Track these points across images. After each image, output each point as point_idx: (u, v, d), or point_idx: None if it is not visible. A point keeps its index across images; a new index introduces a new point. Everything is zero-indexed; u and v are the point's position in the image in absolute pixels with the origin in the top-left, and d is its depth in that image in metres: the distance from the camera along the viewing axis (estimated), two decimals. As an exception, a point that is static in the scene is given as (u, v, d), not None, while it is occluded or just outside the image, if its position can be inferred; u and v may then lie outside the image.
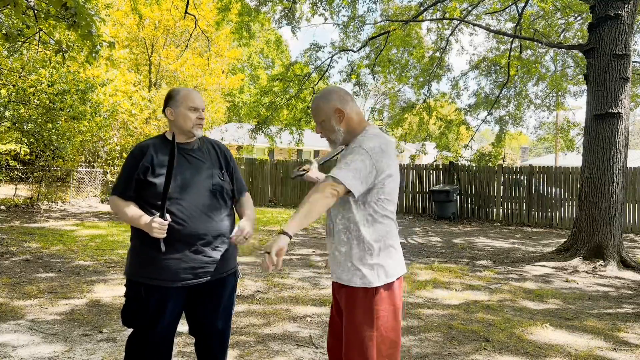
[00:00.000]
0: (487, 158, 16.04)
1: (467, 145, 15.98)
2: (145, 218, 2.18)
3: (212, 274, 2.28)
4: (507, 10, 13.87)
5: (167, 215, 2.17)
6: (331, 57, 13.47)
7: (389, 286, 2.10)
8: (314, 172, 2.44)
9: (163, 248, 2.18)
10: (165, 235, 2.16)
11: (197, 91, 2.48)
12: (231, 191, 2.44)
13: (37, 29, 7.63)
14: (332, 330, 2.31)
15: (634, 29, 9.35)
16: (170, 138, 2.33)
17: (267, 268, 1.86)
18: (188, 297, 2.30)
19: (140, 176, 2.22)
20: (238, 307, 4.57)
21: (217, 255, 2.30)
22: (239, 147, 26.49)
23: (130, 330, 2.32)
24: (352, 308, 2.09)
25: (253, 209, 2.52)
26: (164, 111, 2.38)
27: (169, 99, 2.35)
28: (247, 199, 2.55)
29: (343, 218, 2.11)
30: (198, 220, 2.24)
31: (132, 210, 2.23)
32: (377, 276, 2.07)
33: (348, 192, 2.00)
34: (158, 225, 2.12)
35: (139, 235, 2.23)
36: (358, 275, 2.07)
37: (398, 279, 2.15)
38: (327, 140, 2.26)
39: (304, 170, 2.41)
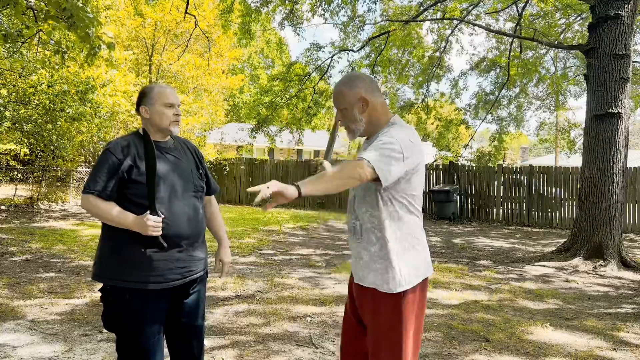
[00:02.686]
0: (487, 158, 16.04)
1: (467, 145, 15.98)
2: (133, 216, 2.08)
3: (194, 272, 2.26)
4: (507, 10, 13.87)
5: (160, 212, 2.10)
6: (331, 57, 13.48)
7: (415, 289, 1.98)
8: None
9: (165, 244, 2.12)
10: (161, 232, 2.09)
11: (172, 87, 2.44)
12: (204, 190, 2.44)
13: (37, 30, 7.63)
14: (348, 338, 2.17)
15: (634, 29, 9.34)
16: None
17: (258, 201, 1.71)
18: (172, 298, 2.24)
19: (124, 175, 2.12)
20: (238, 307, 4.58)
21: (199, 254, 2.28)
22: (239, 147, 26.47)
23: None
24: (379, 313, 1.97)
25: (219, 213, 2.58)
26: (137, 110, 2.28)
27: (143, 97, 2.26)
28: (213, 200, 2.56)
29: (372, 216, 1.97)
30: (184, 220, 2.19)
31: (116, 209, 2.11)
32: (404, 279, 1.94)
33: (375, 180, 1.84)
34: (154, 223, 2.05)
35: (117, 236, 2.13)
36: (385, 279, 1.94)
37: (424, 280, 2.03)
38: (345, 129, 2.12)
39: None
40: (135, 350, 2.16)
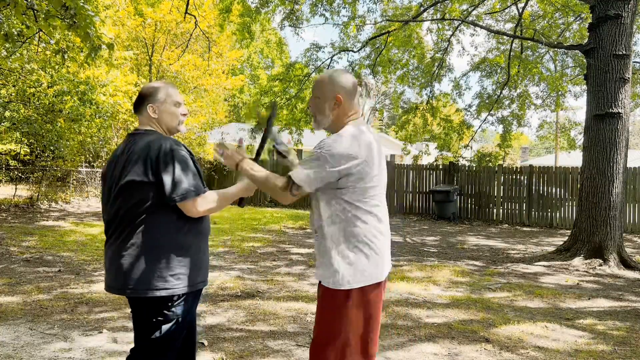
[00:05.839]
0: (488, 158, 16.01)
1: (467, 145, 15.95)
2: (241, 183, 2.24)
3: None
4: (507, 10, 13.86)
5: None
6: (331, 57, 13.46)
7: (362, 291, 1.99)
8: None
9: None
10: None
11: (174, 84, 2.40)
12: None
13: (37, 30, 7.62)
14: None
15: (634, 29, 9.34)
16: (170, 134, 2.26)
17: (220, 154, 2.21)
18: None
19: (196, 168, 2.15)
20: (238, 307, 4.58)
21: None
22: (239, 147, 26.46)
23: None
24: (322, 307, 2.04)
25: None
26: (139, 110, 2.20)
27: (149, 96, 2.18)
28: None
29: (319, 214, 2.07)
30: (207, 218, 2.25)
31: (221, 190, 2.20)
32: (347, 278, 1.97)
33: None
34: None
35: (178, 243, 2.05)
36: (329, 274, 2.00)
37: (377, 284, 2.03)
38: (312, 117, 2.22)
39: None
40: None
